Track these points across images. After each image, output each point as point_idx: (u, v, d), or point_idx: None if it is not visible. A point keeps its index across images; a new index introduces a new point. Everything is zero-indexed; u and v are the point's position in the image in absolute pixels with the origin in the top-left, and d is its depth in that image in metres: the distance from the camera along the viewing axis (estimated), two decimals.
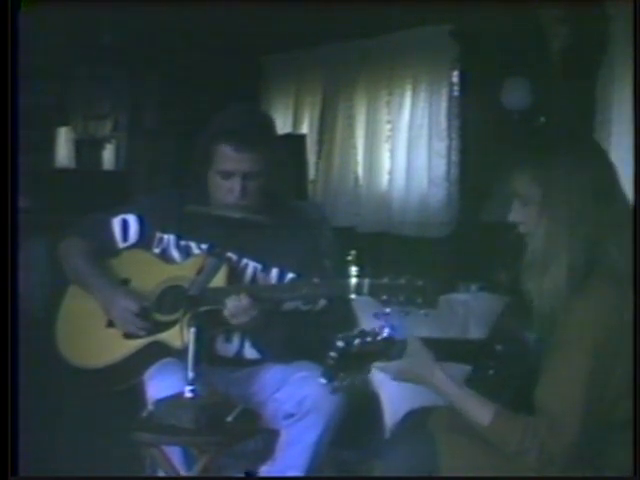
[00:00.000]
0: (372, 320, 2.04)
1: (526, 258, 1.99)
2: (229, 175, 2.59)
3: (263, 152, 2.60)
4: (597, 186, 1.95)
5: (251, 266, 2.66)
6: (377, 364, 1.98)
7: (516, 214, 2.04)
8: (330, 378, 1.88)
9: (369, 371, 1.98)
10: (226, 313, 2.45)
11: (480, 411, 1.93)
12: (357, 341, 1.90)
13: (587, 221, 1.92)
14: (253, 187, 2.61)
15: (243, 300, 2.43)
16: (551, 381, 1.90)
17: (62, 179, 6.20)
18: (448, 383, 1.97)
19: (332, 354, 1.87)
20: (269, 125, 2.75)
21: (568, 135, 2.10)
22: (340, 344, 1.87)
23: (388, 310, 2.06)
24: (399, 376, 2.02)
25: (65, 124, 6.49)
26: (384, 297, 2.24)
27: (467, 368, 2.15)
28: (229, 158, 2.58)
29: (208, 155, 2.61)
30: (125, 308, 2.58)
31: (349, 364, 1.89)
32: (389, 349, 1.96)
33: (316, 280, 2.46)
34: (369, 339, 1.92)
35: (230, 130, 2.59)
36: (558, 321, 1.91)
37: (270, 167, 2.63)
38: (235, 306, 2.43)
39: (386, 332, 1.95)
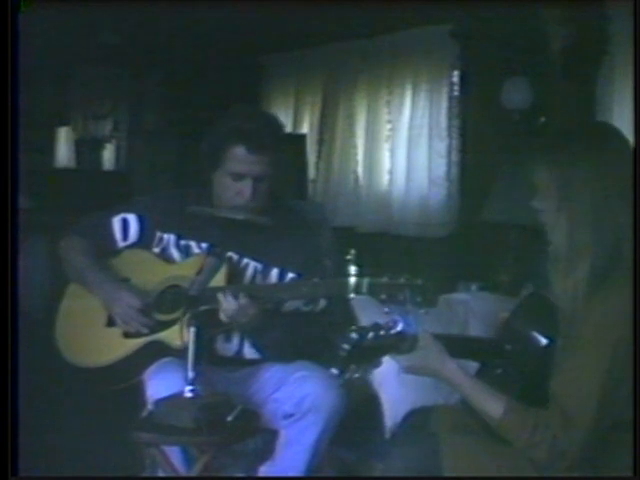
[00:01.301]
0: (373, 320, 2.04)
1: (550, 253, 1.96)
2: (241, 177, 2.57)
3: (274, 155, 2.58)
4: (618, 182, 1.91)
5: (251, 266, 2.66)
6: (389, 357, 1.98)
7: (536, 204, 2.00)
8: (341, 370, 1.88)
9: (380, 364, 1.97)
10: (224, 312, 2.45)
11: (492, 403, 1.92)
12: (371, 334, 1.89)
13: (609, 218, 1.90)
14: (263, 190, 2.60)
15: (241, 299, 2.43)
16: (568, 376, 1.89)
17: (62, 179, 6.21)
18: (460, 375, 1.97)
19: (345, 346, 1.86)
20: (280, 127, 2.73)
21: (588, 129, 2.07)
22: (354, 336, 1.87)
23: (387, 309, 2.06)
24: (410, 369, 2.02)
25: (65, 124, 6.50)
26: (383, 296, 2.25)
27: (474, 366, 2.15)
28: (242, 160, 2.56)
29: (219, 156, 2.59)
30: (128, 304, 2.58)
31: (361, 356, 1.89)
32: (401, 343, 1.96)
33: (315, 280, 2.46)
34: (382, 332, 1.92)
35: (244, 131, 2.56)
36: (578, 317, 1.90)
37: (278, 169, 2.62)
38: (234, 305, 2.43)
39: (400, 326, 1.95)
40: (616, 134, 2.06)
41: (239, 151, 2.55)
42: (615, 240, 1.91)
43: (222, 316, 2.44)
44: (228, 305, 2.43)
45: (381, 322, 1.95)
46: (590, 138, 1.99)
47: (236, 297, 2.42)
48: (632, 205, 1.92)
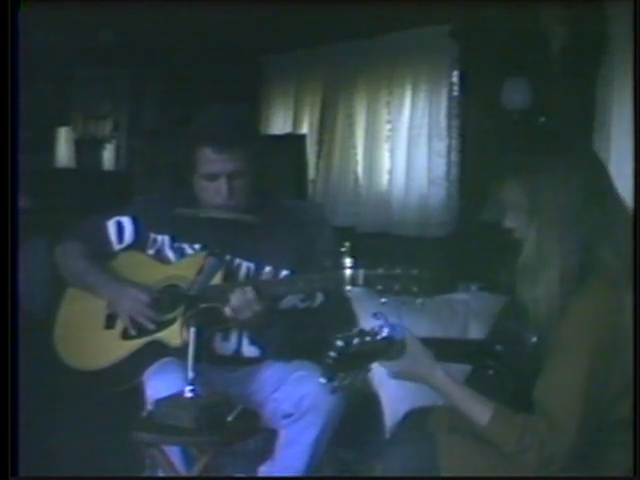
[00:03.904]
0: (371, 319, 2.04)
1: (519, 264, 1.99)
2: (214, 177, 2.59)
3: (245, 151, 2.59)
4: (585, 190, 1.94)
5: (244, 266, 2.66)
6: (377, 363, 1.98)
7: (509, 221, 2.04)
8: (329, 378, 1.88)
9: (369, 370, 1.98)
10: (229, 309, 2.45)
11: (479, 410, 1.93)
12: (356, 341, 1.89)
13: (576, 225, 1.93)
14: (239, 186, 2.61)
15: (249, 293, 2.43)
16: (550, 381, 1.90)
17: (62, 179, 6.21)
18: (448, 382, 1.97)
19: (331, 354, 1.86)
20: (249, 123, 2.75)
21: (553, 140, 2.10)
22: (339, 344, 1.87)
23: (384, 300, 2.06)
24: (399, 375, 2.02)
25: (65, 124, 6.50)
26: (379, 287, 2.25)
27: (467, 368, 2.15)
28: (212, 160, 2.57)
29: (191, 159, 2.61)
30: (135, 299, 2.58)
31: (348, 364, 1.88)
32: (388, 348, 1.95)
33: (311, 274, 2.46)
34: (368, 338, 1.92)
35: (209, 132, 2.58)
36: (554, 323, 1.92)
37: (255, 165, 2.63)
38: (240, 300, 2.43)
39: (385, 332, 1.94)
40: (581, 147, 2.13)
41: (207, 152, 2.57)
42: (587, 245, 1.93)
43: (227, 312, 2.45)
44: (234, 299, 2.43)
45: (367, 328, 1.95)
46: (555, 153, 2.01)
47: (243, 291, 2.43)
48: (606, 207, 1.94)
